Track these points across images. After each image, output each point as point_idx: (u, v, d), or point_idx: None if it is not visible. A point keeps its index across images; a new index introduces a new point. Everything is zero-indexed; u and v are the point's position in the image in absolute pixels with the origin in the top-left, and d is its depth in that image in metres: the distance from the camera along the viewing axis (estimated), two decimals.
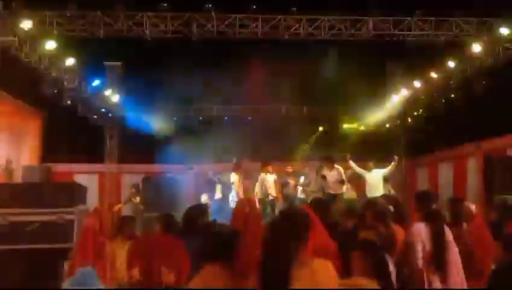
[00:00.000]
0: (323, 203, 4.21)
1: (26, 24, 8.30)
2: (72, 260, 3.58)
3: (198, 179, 12.92)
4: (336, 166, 8.80)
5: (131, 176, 13.13)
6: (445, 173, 11.85)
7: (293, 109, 13.90)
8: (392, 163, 9.28)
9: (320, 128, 14.11)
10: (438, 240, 3.36)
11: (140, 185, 11.94)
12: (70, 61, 9.51)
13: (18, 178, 10.51)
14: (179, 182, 12.55)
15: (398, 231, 3.82)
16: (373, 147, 12.49)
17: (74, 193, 6.79)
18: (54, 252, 5.76)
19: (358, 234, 3.31)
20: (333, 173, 8.67)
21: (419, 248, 3.35)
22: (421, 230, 3.40)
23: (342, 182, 8.62)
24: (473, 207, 4.23)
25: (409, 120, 13.43)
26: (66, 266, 3.70)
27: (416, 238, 3.38)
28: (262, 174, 9.45)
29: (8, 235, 6.08)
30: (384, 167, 9.36)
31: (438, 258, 3.33)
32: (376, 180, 9.17)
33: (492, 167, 8.75)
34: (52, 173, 11.19)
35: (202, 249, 2.09)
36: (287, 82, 12.58)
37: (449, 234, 3.48)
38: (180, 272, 1.85)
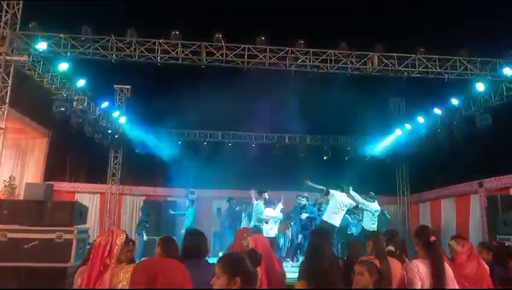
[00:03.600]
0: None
1: (41, 45, 8.57)
2: (82, 275, 3.45)
3: (199, 203, 12.90)
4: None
5: (132, 198, 13.13)
6: (448, 209, 11.76)
7: (296, 138, 14.04)
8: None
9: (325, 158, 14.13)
10: (438, 275, 3.32)
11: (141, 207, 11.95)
12: (81, 83, 9.75)
13: (20, 195, 10.56)
14: (179, 206, 12.56)
15: (396, 266, 3.81)
16: (375, 179, 12.44)
17: (75, 212, 6.77)
18: (51, 271, 5.72)
19: None
20: None
21: (418, 285, 3.32)
22: (419, 266, 3.38)
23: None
24: (455, 245, 4.17)
25: (412, 154, 13.45)
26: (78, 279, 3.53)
27: (414, 275, 3.34)
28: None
29: (6, 252, 6.04)
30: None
31: None
32: (377, 211, 9.17)
33: (496, 206, 8.71)
34: (53, 191, 11.24)
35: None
36: (291, 111, 12.72)
37: (449, 270, 3.45)
38: None
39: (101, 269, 3.27)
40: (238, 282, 2.20)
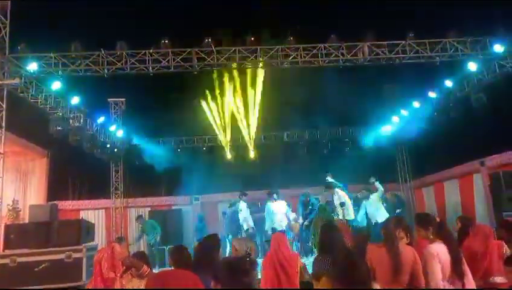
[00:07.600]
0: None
1: (32, 66, 8.55)
2: None
3: (204, 209, 12.91)
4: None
5: (137, 210, 13.13)
6: (452, 191, 11.77)
7: (295, 135, 14.04)
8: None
9: None
10: (456, 258, 3.31)
11: (147, 218, 11.95)
12: (75, 100, 9.74)
13: (25, 218, 10.53)
14: (185, 214, 12.58)
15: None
16: (376, 168, 12.45)
17: (82, 230, 6.79)
18: None
19: None
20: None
21: (439, 269, 3.27)
22: (436, 249, 3.34)
23: (341, 204, 9.06)
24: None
25: (411, 140, 13.46)
26: None
27: (435, 259, 3.29)
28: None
29: (17, 277, 6.04)
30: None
31: (460, 277, 3.27)
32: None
33: (500, 183, 8.72)
34: (58, 211, 11.22)
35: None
36: (288, 108, 12.72)
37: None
38: None
39: (106, 284, 3.29)
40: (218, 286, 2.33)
